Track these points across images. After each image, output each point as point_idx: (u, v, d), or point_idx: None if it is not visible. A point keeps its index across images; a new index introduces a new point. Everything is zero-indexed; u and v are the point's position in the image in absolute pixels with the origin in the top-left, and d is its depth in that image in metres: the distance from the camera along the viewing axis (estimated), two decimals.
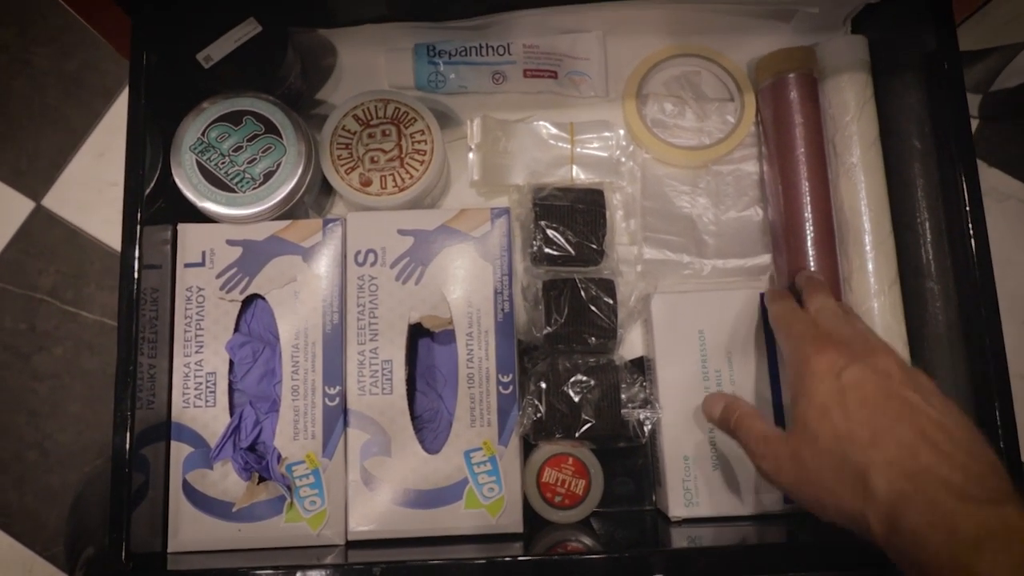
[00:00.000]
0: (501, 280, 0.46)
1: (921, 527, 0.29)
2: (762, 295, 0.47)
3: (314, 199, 0.49)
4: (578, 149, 0.52)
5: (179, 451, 0.44)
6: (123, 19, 0.45)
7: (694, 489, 0.45)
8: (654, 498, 0.49)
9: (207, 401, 0.45)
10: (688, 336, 0.47)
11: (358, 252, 0.46)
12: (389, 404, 0.45)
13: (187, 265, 0.46)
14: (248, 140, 0.46)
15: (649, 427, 0.45)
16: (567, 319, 0.46)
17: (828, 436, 0.34)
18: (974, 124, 0.77)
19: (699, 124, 0.52)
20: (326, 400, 0.45)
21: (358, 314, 0.46)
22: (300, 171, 0.46)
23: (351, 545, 0.44)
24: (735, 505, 0.45)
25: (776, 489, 0.43)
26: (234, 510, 0.44)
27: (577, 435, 0.44)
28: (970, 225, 0.43)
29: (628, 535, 0.47)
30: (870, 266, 0.47)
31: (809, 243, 0.47)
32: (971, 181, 0.44)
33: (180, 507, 0.44)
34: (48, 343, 0.80)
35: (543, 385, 0.45)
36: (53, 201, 0.82)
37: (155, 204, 0.45)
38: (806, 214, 0.47)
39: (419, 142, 0.48)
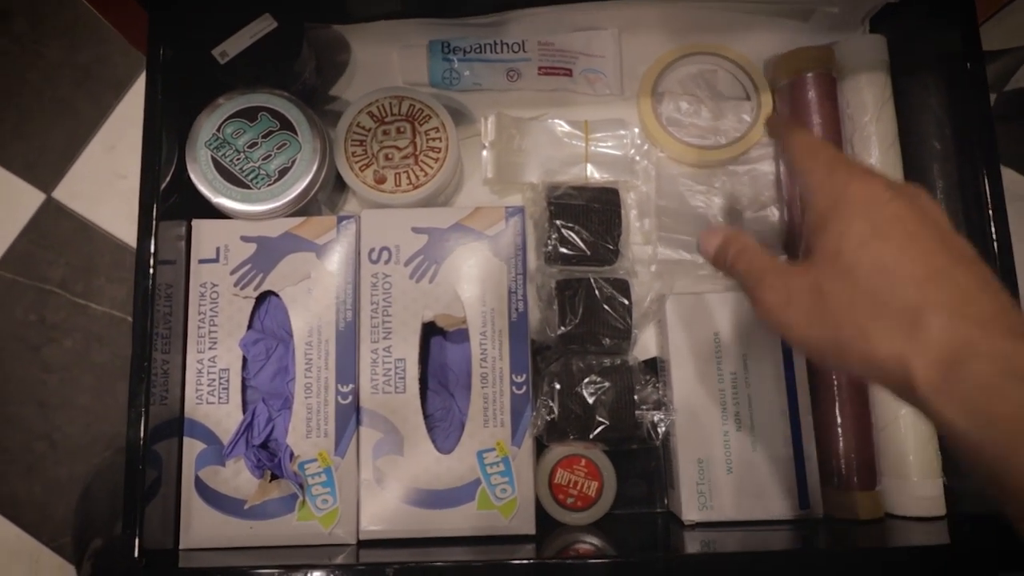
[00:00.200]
0: (515, 279, 0.46)
1: (993, 377, 0.26)
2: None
3: (327, 196, 0.49)
4: (593, 147, 0.51)
5: (192, 447, 0.44)
6: (138, 13, 0.45)
7: (708, 493, 0.44)
8: (666, 501, 0.49)
9: (220, 398, 0.45)
10: (703, 338, 0.46)
11: (372, 249, 0.46)
12: (402, 403, 0.45)
13: (201, 261, 0.46)
14: (263, 136, 0.46)
15: (663, 429, 0.45)
16: (581, 319, 0.46)
17: (868, 268, 0.29)
18: None
19: (715, 123, 0.52)
20: (339, 398, 0.44)
21: (371, 312, 0.45)
22: (315, 168, 0.45)
23: (362, 544, 0.44)
24: (749, 510, 0.44)
25: (771, 331, 0.36)
26: (246, 507, 0.43)
27: (591, 437, 0.44)
28: (992, 227, 0.43)
29: (640, 538, 0.47)
30: None
31: None
32: (994, 183, 0.43)
33: (192, 503, 0.44)
34: (57, 335, 0.80)
35: (557, 386, 0.45)
36: (63, 193, 0.82)
37: (170, 199, 0.44)
38: None
39: (434, 139, 0.48)
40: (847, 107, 0.50)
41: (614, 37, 0.54)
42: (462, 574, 0.38)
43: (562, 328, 0.46)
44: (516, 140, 0.51)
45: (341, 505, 0.43)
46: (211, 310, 0.45)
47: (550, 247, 0.47)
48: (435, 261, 0.46)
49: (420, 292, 0.46)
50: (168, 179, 0.44)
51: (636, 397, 0.45)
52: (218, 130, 0.46)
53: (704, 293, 0.49)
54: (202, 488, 0.44)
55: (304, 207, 0.46)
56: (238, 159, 0.45)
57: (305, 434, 0.44)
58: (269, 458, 0.44)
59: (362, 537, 0.44)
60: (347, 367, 0.45)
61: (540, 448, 0.47)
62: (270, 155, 0.45)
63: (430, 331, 0.47)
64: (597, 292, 0.46)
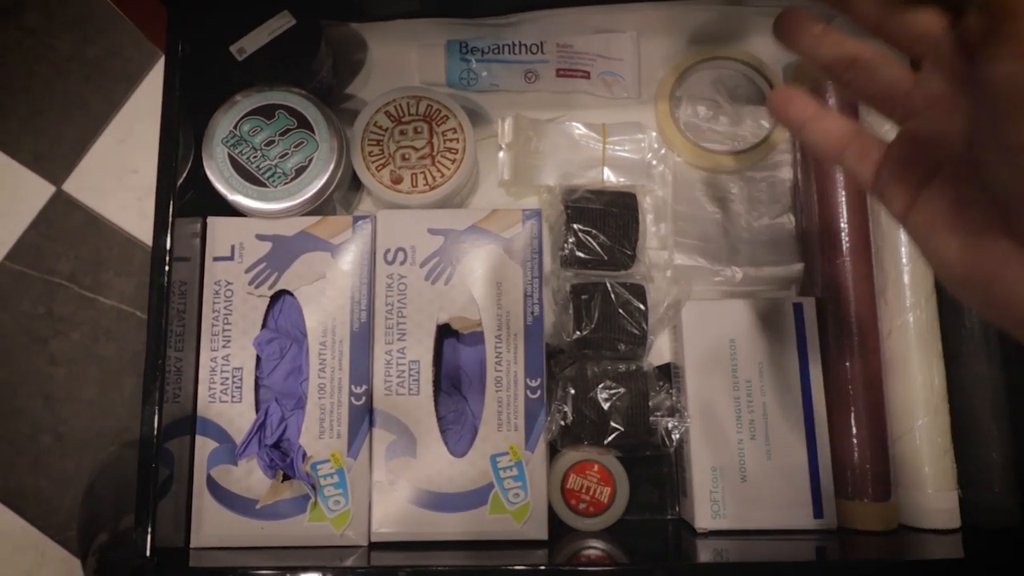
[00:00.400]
0: (531, 283, 0.46)
1: None
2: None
3: (343, 195, 0.49)
4: (610, 151, 0.51)
5: (204, 446, 0.44)
6: (157, 9, 0.45)
7: (721, 501, 0.44)
8: (677, 508, 0.49)
9: (233, 396, 0.44)
10: (719, 345, 0.46)
11: (388, 250, 0.46)
12: (416, 405, 0.44)
13: (216, 259, 0.46)
14: (280, 134, 0.45)
15: (677, 436, 0.45)
16: (597, 324, 0.45)
17: None
18: None
19: (733, 128, 0.52)
20: (352, 399, 0.44)
21: (386, 313, 0.45)
22: (332, 167, 0.45)
23: (374, 547, 0.44)
24: (762, 519, 0.44)
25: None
26: (258, 507, 0.43)
27: (605, 443, 0.44)
28: None
29: (651, 545, 0.47)
30: (906, 278, 0.47)
31: (844, 253, 0.46)
32: None
33: (204, 502, 0.43)
34: (65, 328, 0.80)
35: (571, 391, 0.45)
36: (73, 186, 0.81)
37: (186, 196, 0.44)
38: (842, 223, 0.47)
39: (451, 140, 0.48)
40: (867, 114, 0.49)
41: (633, 40, 0.53)
42: None
43: (577, 333, 0.45)
44: (533, 142, 0.51)
45: (353, 507, 0.43)
46: (225, 308, 0.45)
47: (566, 251, 0.47)
48: (451, 263, 0.46)
49: (435, 294, 0.45)
50: (184, 176, 0.44)
51: (651, 403, 0.45)
52: (235, 127, 0.45)
53: (720, 300, 0.48)
54: (214, 487, 0.44)
55: (320, 206, 0.46)
56: (255, 157, 0.45)
57: (318, 435, 0.44)
58: (281, 458, 0.44)
59: (373, 539, 0.44)
60: (361, 368, 0.45)
61: (553, 452, 0.47)
62: (287, 153, 0.45)
63: (445, 333, 0.47)
64: (613, 297, 0.46)
